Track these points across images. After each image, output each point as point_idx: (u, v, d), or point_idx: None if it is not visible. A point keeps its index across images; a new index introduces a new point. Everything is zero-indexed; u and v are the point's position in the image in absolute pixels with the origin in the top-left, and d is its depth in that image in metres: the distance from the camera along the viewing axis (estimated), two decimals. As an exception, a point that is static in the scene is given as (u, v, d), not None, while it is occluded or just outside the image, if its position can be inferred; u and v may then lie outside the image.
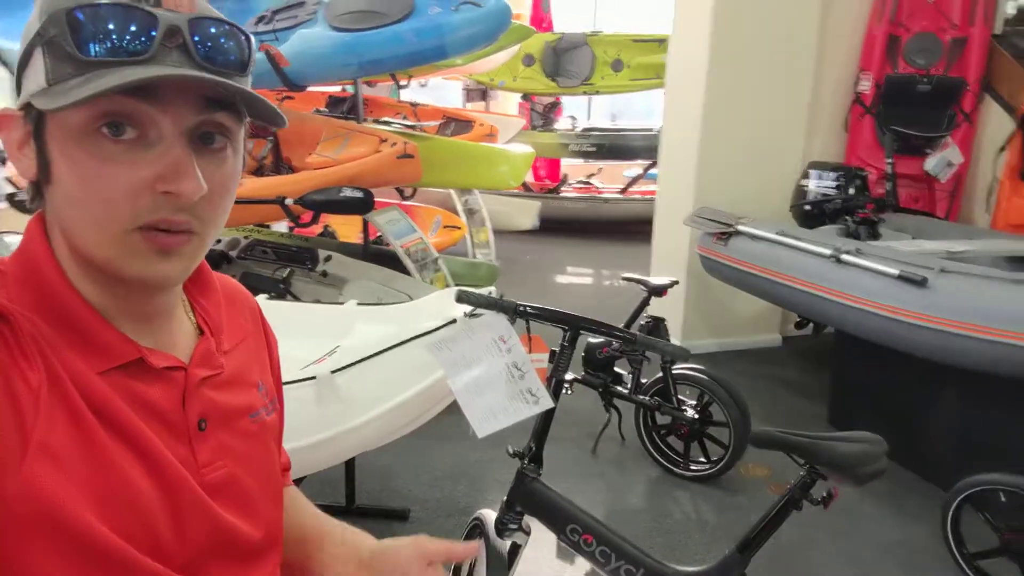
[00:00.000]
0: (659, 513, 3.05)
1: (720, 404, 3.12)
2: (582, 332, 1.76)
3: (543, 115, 8.92)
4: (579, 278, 7.05)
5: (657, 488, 3.23)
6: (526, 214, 7.21)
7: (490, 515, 1.90)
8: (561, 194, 8.45)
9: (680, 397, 3.19)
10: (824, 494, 1.49)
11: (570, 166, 9.34)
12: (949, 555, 2.55)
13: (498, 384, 1.65)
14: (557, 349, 1.78)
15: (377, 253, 4.45)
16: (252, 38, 0.65)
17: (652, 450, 3.35)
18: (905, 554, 2.69)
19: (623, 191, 8.50)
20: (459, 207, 6.26)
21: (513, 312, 1.68)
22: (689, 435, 3.25)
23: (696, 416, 3.16)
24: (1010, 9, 4.54)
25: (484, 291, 2.33)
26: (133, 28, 0.57)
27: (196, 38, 0.60)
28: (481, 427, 1.63)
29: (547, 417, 1.75)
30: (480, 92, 8.63)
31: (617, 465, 3.39)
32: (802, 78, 4.58)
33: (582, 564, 2.59)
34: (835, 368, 3.81)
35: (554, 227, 7.87)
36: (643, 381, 3.31)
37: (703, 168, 4.50)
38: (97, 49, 0.57)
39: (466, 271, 4.87)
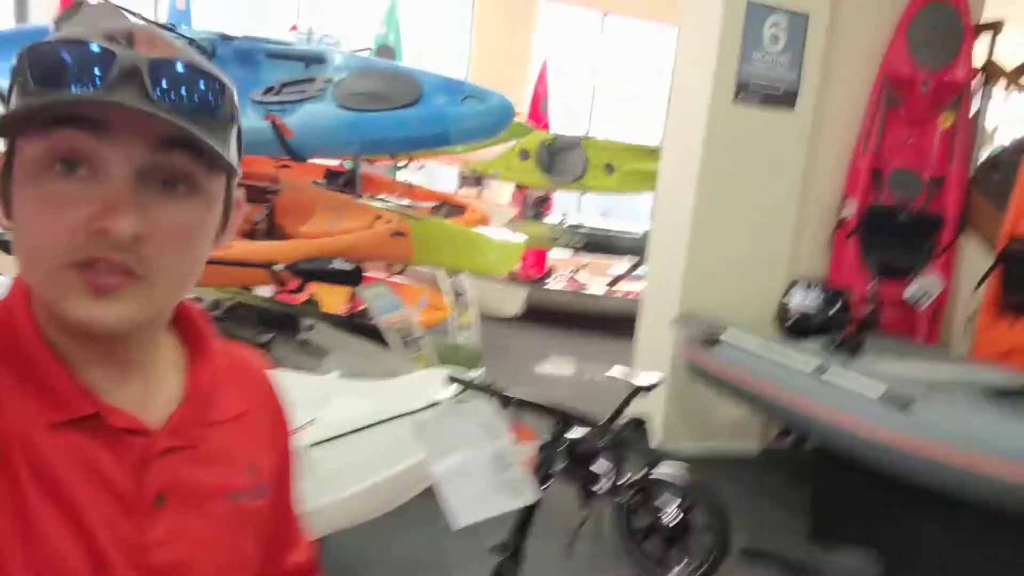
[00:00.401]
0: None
1: (702, 509, 3.05)
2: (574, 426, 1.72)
3: (535, 207, 9.10)
4: (560, 369, 7.01)
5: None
6: (512, 300, 7.23)
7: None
8: (546, 285, 8.52)
9: (660, 500, 3.11)
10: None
11: (555, 259, 9.47)
12: None
13: (482, 473, 1.61)
14: (546, 441, 1.74)
15: (360, 326, 4.41)
16: (229, 85, 0.63)
17: (630, 553, 3.24)
18: None
19: (608, 288, 8.59)
20: (445, 287, 6.28)
21: (503, 400, 1.65)
22: (669, 538, 3.16)
23: (675, 521, 3.07)
24: (984, 154, 4.79)
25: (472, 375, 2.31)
26: (89, 64, 0.57)
27: (155, 78, 0.58)
28: (460, 517, 1.57)
29: (530, 511, 1.69)
30: (475, 179, 8.80)
31: (592, 566, 3.28)
32: (789, 191, 4.74)
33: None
34: (816, 483, 3.76)
35: (537, 317, 7.89)
36: (622, 482, 3.23)
37: (690, 272, 4.59)
38: (53, 83, 0.57)
39: (448, 352, 4.83)
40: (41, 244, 0.59)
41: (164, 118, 0.57)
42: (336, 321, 4.36)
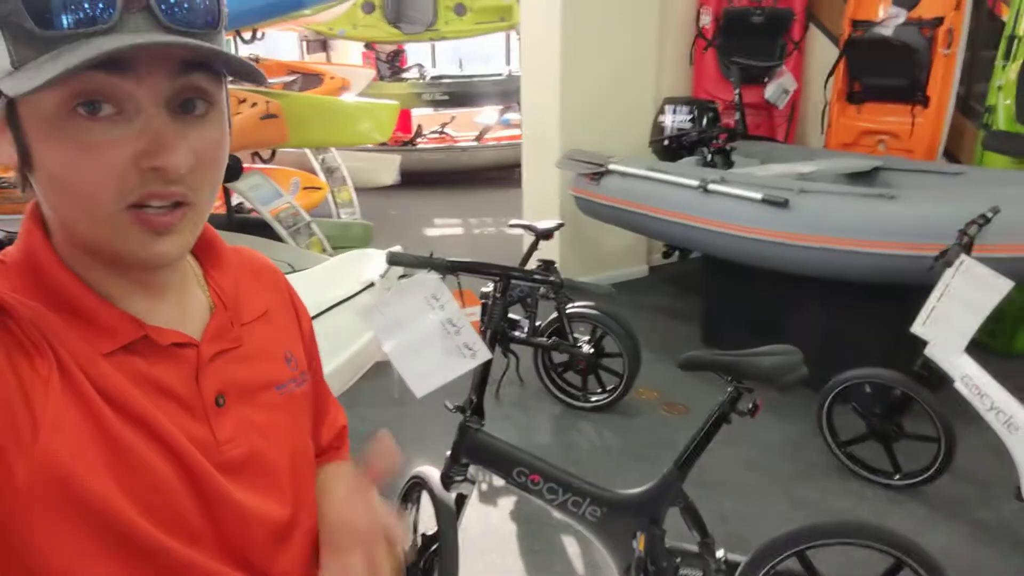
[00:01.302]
0: (567, 446, 3.20)
1: (613, 336, 3.28)
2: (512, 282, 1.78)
3: (389, 64, 8.65)
4: (450, 229, 7.04)
5: (561, 423, 3.37)
6: (386, 169, 7.04)
7: (429, 471, 1.92)
8: (417, 146, 8.31)
9: (575, 335, 3.32)
10: (750, 405, 1.63)
11: (421, 116, 9.18)
12: (825, 446, 2.87)
13: (434, 342, 1.65)
14: (488, 301, 1.79)
15: (243, 222, 4.21)
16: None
17: (552, 388, 3.47)
18: (790, 450, 3.00)
19: (479, 139, 8.49)
20: (317, 166, 6.02)
21: (444, 269, 1.67)
22: (586, 369, 3.40)
23: (592, 350, 3.30)
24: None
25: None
26: None
27: (160, 0, 0.56)
28: (419, 386, 1.63)
29: (485, 369, 1.77)
30: (320, 43, 8.23)
31: (520, 407, 3.49)
32: (648, 16, 4.75)
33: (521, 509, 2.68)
34: (705, 291, 4.09)
35: (413, 180, 7.76)
36: (538, 324, 3.40)
37: (566, 111, 4.60)
38: (56, 23, 0.53)
39: (339, 233, 4.73)
40: (88, 189, 0.57)
41: (191, 45, 0.55)
42: (216, 223, 4.12)
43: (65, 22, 0.53)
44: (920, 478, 2.65)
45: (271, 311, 0.78)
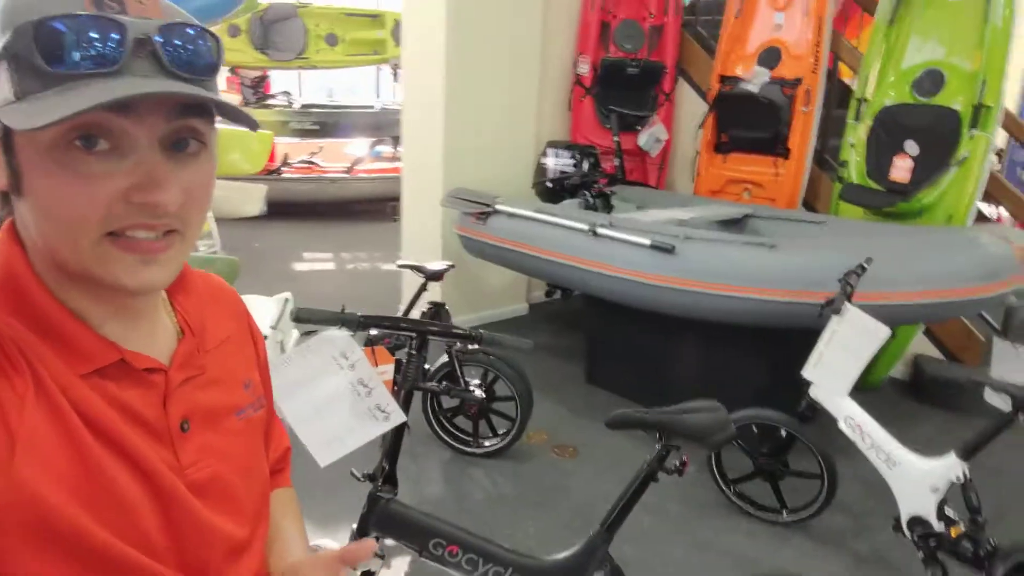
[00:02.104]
0: (460, 496, 3.07)
1: (505, 380, 3.21)
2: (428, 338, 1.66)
3: (253, 90, 8.27)
4: (320, 264, 6.74)
5: (452, 470, 3.24)
6: (251, 199, 6.60)
7: (330, 545, 1.74)
8: (283, 175, 7.95)
9: (466, 379, 3.22)
10: (678, 463, 1.60)
11: (287, 145, 8.81)
12: (715, 484, 2.94)
13: (342, 405, 1.50)
14: (404, 359, 1.66)
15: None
16: (219, 39, 0.64)
17: (442, 433, 3.34)
18: (682, 491, 3.03)
19: (350, 170, 8.26)
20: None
21: (357, 325, 1.53)
22: (477, 414, 3.30)
23: (483, 395, 3.21)
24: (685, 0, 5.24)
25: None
26: (102, 39, 0.56)
27: (166, 46, 0.59)
28: (324, 455, 1.47)
29: (398, 433, 1.64)
30: (177, 64, 7.71)
31: (408, 455, 3.32)
32: (530, 60, 4.82)
33: None
34: (588, 331, 4.13)
35: (279, 211, 7.37)
36: (427, 367, 3.27)
37: (450, 148, 4.55)
38: (66, 61, 0.56)
39: (201, 267, 4.35)
40: (75, 218, 0.59)
41: (195, 94, 0.59)
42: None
43: (74, 61, 0.56)
44: (805, 513, 2.77)
45: (232, 337, 0.80)
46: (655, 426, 1.58)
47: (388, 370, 2.16)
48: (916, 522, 2.31)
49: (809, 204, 4.51)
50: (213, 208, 5.77)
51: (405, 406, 1.66)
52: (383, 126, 7.75)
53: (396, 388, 1.69)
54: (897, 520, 2.38)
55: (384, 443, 1.65)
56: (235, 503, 0.74)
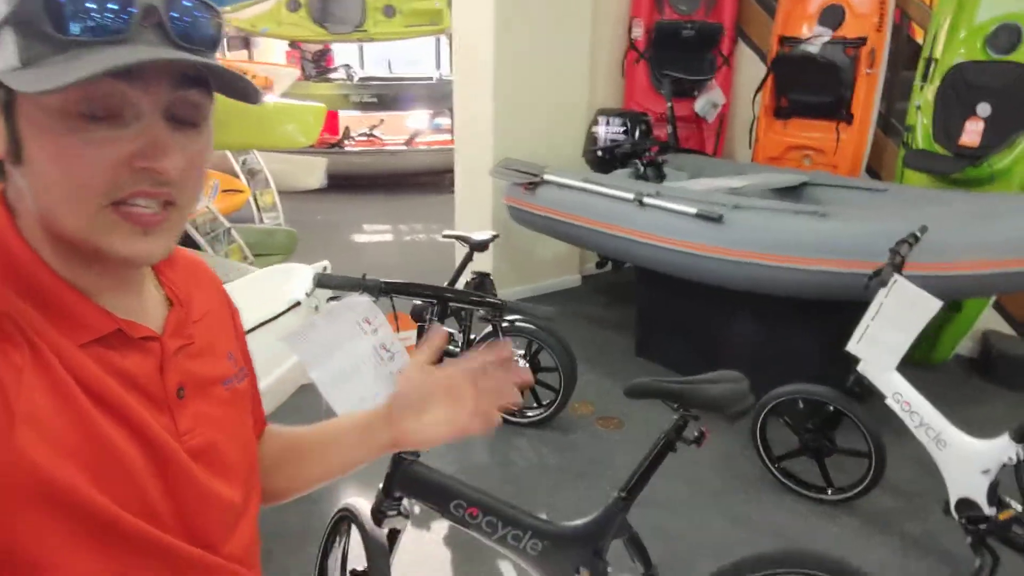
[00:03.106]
0: (504, 464, 3.11)
1: (549, 351, 3.21)
2: (450, 304, 1.68)
3: (315, 63, 8.39)
4: (379, 235, 6.85)
5: (497, 440, 3.28)
6: (312, 172, 6.80)
7: (360, 504, 1.79)
8: (345, 148, 8.08)
9: (510, 349, 3.23)
10: (696, 433, 1.58)
11: (349, 118, 8.94)
12: (759, 460, 2.88)
13: (365, 368, 1.53)
14: (425, 325, 1.68)
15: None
16: (220, 13, 0.65)
17: (486, 404, 3.38)
18: (724, 465, 3.00)
19: (408, 143, 8.32)
20: (238, 168, 5.75)
21: (378, 291, 1.56)
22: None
23: (527, 365, 3.22)
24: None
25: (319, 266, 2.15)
26: (111, 7, 0.58)
27: (173, 16, 0.60)
28: (350, 417, 1.50)
29: (421, 397, 1.66)
30: (241, 39, 7.90)
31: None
32: (581, 26, 4.73)
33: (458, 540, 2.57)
34: (639, 303, 4.08)
35: (340, 184, 7.53)
36: (472, 337, 3.30)
37: (499, 119, 4.52)
38: (75, 28, 0.57)
39: (261, 240, 4.50)
40: (78, 185, 0.60)
41: (200, 63, 0.60)
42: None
43: (83, 29, 0.57)
44: (852, 492, 2.69)
45: (213, 310, 0.82)
46: (673, 395, 1.56)
47: (411, 336, 2.18)
48: (965, 505, 2.22)
49: (873, 171, 4.30)
50: (276, 181, 5.95)
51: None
52: (441, 97, 7.76)
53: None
54: (947, 503, 2.29)
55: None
56: (229, 469, 0.75)
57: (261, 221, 5.66)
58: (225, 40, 8.15)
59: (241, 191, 5.53)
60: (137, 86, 0.59)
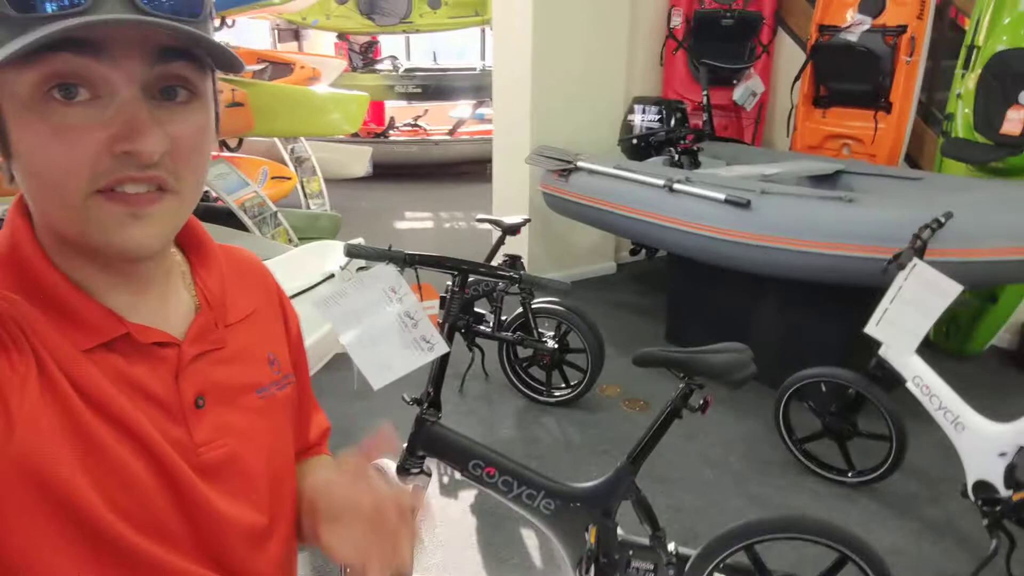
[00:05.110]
0: (530, 440, 3.21)
1: (577, 332, 3.30)
2: (470, 276, 1.79)
3: (362, 55, 8.59)
4: (419, 222, 7.01)
5: (524, 417, 3.38)
6: (358, 160, 6.98)
7: (386, 462, 1.92)
8: (390, 138, 8.26)
9: (540, 330, 3.33)
10: (701, 401, 1.66)
11: (394, 108, 9.13)
12: (781, 442, 2.92)
13: (391, 335, 1.65)
14: (447, 295, 1.79)
15: (206, 211, 4.15)
16: None
17: (516, 382, 3.49)
18: (745, 446, 3.05)
19: (451, 132, 8.46)
20: (286, 156, 5.96)
21: (403, 262, 1.67)
22: (550, 364, 3.42)
23: (556, 346, 3.32)
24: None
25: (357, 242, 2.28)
26: None
27: None
28: (376, 379, 1.62)
29: (443, 362, 1.78)
30: (291, 32, 8.14)
31: (485, 400, 3.50)
32: (619, 15, 4.78)
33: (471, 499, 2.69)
34: (670, 289, 4.13)
35: (384, 172, 7.72)
36: (503, 318, 3.41)
37: (537, 107, 4.61)
38: (33, 5, 0.53)
39: (306, 223, 4.69)
40: (60, 174, 0.57)
41: (160, 24, 0.54)
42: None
43: (42, 5, 0.53)
44: (873, 475, 2.71)
45: (259, 311, 0.77)
46: (678, 364, 1.64)
47: (433, 305, 2.30)
48: (981, 487, 2.24)
49: (913, 160, 4.26)
50: (322, 169, 6.14)
51: (448, 338, 1.79)
52: (484, 88, 7.87)
53: (440, 322, 1.82)
54: (964, 485, 2.31)
55: (431, 371, 1.79)
56: (252, 485, 0.71)
57: (308, 207, 5.86)
58: (277, 32, 8.42)
59: (289, 178, 5.74)
60: (105, 62, 0.55)
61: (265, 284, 0.82)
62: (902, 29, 3.95)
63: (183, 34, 0.55)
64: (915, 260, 2.33)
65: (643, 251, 5.07)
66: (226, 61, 0.61)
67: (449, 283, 1.89)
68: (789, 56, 4.93)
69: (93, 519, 0.58)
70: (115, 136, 0.56)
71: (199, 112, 0.61)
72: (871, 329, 2.42)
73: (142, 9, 0.55)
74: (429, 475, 1.86)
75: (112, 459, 0.60)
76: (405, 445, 1.83)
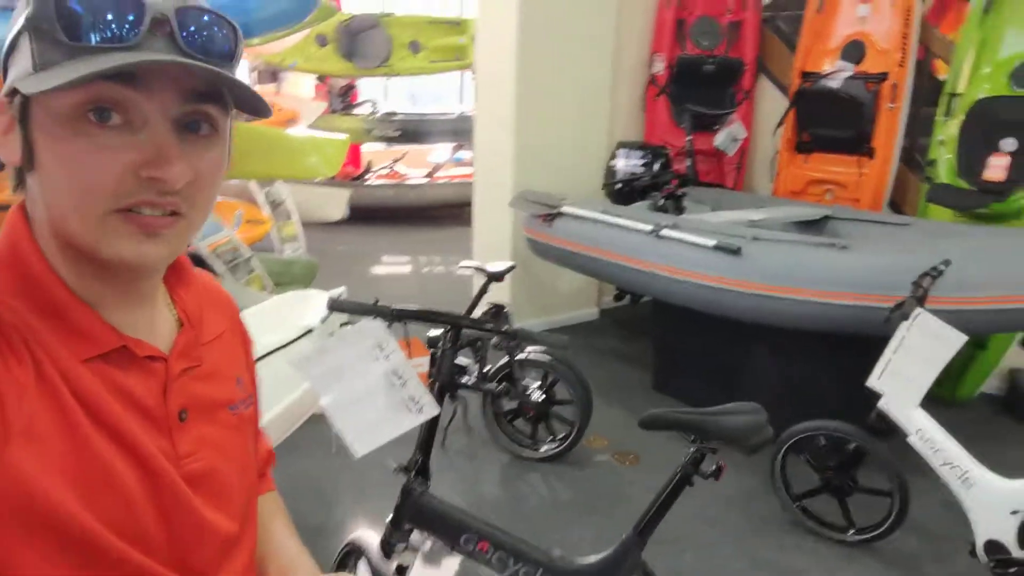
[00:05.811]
0: (516, 499, 3.06)
1: (565, 383, 3.18)
2: (463, 331, 1.67)
3: (341, 98, 8.55)
4: (398, 267, 6.88)
5: (509, 473, 3.23)
6: (335, 204, 6.87)
7: (368, 536, 1.77)
8: (367, 182, 8.18)
9: (526, 381, 3.21)
10: (714, 467, 1.54)
11: (372, 151, 9.07)
12: (779, 499, 2.81)
13: (377, 396, 1.52)
14: (436, 351, 1.67)
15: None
16: (238, 28, 0.65)
17: (500, 436, 3.34)
18: (743, 502, 2.92)
19: (430, 176, 8.41)
20: (261, 199, 5.82)
21: (391, 316, 1.55)
22: (536, 417, 3.29)
23: (542, 397, 3.19)
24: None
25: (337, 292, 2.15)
26: (120, 15, 0.58)
27: (183, 26, 0.60)
28: (359, 445, 1.49)
29: (432, 425, 1.65)
30: (270, 73, 8.07)
31: (467, 456, 3.35)
32: (602, 60, 4.78)
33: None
34: (656, 336, 4.04)
35: (362, 216, 7.61)
36: (487, 369, 3.28)
37: (520, 151, 4.55)
38: (84, 35, 0.58)
39: (282, 269, 4.54)
40: (85, 190, 0.60)
41: (201, 67, 0.60)
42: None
43: (93, 38, 0.58)
44: (874, 533, 2.60)
45: (225, 334, 0.82)
46: (690, 427, 1.53)
47: (423, 363, 2.17)
48: (993, 547, 2.14)
49: (896, 206, 4.26)
50: (300, 212, 6.02)
51: (439, 398, 1.66)
52: (462, 132, 7.86)
53: (431, 381, 1.70)
54: (973, 545, 2.21)
55: (419, 435, 1.66)
56: (227, 497, 0.74)
57: (282, 251, 5.71)
58: (256, 73, 8.36)
59: (263, 222, 5.60)
60: (143, 92, 0.59)
61: (230, 308, 0.87)
62: (884, 76, 3.98)
63: (219, 79, 0.61)
64: (918, 310, 2.26)
65: (627, 297, 4.99)
66: (253, 105, 0.65)
67: (432, 333, 1.78)
68: (770, 102, 4.95)
69: (81, 531, 0.60)
70: (144, 162, 0.60)
71: (218, 147, 0.66)
72: (873, 382, 2.33)
73: (184, 51, 0.60)
74: (417, 551, 1.71)
75: (104, 468, 0.62)
76: (390, 518, 1.69)
